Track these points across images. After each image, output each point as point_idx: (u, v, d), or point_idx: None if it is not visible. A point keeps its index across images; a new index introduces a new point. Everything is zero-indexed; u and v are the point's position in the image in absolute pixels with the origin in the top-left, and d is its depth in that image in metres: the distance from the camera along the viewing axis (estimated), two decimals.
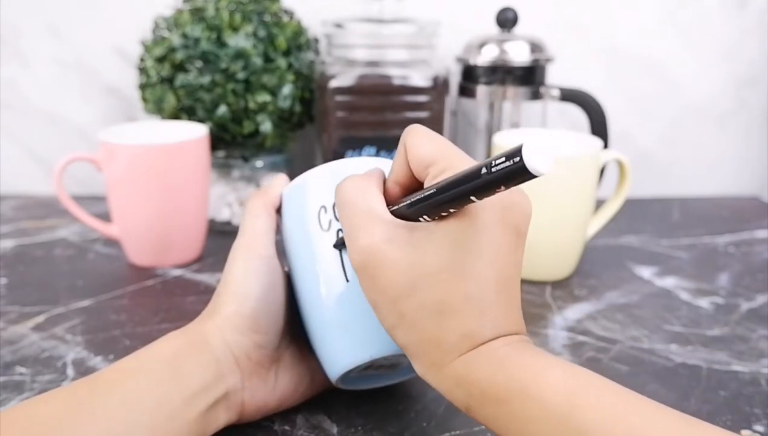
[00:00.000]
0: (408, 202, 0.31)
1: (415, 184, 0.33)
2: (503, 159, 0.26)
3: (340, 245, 0.37)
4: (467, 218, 0.30)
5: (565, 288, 0.59)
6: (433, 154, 0.32)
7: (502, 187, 0.27)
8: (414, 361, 0.32)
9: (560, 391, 0.28)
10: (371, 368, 0.39)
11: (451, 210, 0.30)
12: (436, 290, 0.30)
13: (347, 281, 0.37)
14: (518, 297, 0.32)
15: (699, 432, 0.26)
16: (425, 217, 0.31)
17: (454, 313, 0.30)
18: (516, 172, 0.25)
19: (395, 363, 0.40)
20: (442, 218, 0.30)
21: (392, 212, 0.32)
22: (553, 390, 0.28)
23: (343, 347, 0.37)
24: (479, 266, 0.30)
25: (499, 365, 0.29)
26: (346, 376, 0.39)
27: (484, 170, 0.27)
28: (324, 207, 0.38)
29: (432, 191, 0.30)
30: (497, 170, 0.26)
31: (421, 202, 0.30)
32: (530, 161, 0.25)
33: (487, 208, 0.30)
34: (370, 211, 0.32)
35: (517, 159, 0.25)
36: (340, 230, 0.37)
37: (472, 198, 0.28)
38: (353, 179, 0.34)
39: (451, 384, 0.31)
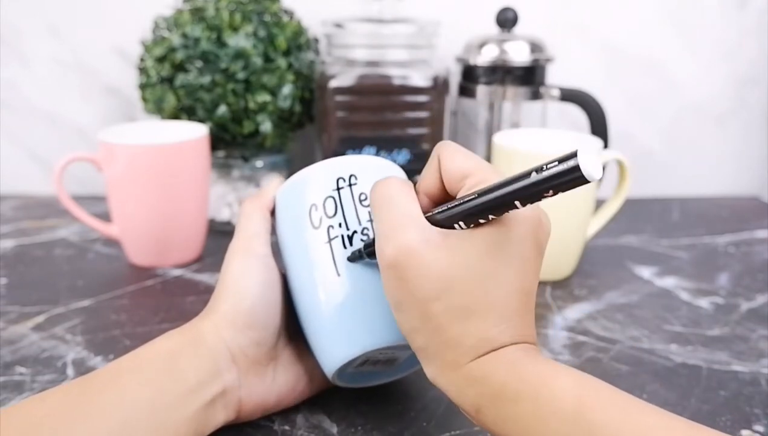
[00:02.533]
0: (445, 208, 0.32)
1: (444, 197, 0.34)
2: (556, 163, 0.26)
3: (361, 253, 0.37)
4: (503, 227, 0.31)
5: (565, 288, 0.59)
6: (469, 167, 0.32)
7: (551, 192, 0.27)
8: (428, 362, 0.32)
9: (570, 392, 0.28)
10: (368, 363, 0.39)
11: (491, 217, 0.30)
12: (465, 296, 0.30)
13: (338, 275, 0.37)
14: (533, 308, 0.33)
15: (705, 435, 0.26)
16: (461, 223, 0.31)
17: (478, 318, 0.31)
18: (569, 176, 0.26)
19: (392, 358, 0.40)
20: (477, 225, 0.31)
21: (426, 219, 0.33)
22: (564, 391, 0.28)
23: (338, 341, 0.38)
24: (508, 276, 0.31)
25: (512, 367, 0.30)
26: (343, 371, 0.39)
27: (534, 173, 0.27)
28: (315, 205, 0.39)
29: (473, 196, 0.30)
30: (549, 173, 0.27)
31: (460, 207, 0.31)
32: (585, 166, 0.25)
33: (520, 221, 0.31)
34: (410, 212, 0.32)
35: (572, 163, 0.26)
36: (331, 227, 0.38)
37: (517, 203, 0.29)
38: (394, 180, 0.34)
39: (463, 385, 0.31)
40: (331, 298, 0.37)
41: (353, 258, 0.37)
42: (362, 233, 0.38)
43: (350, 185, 0.39)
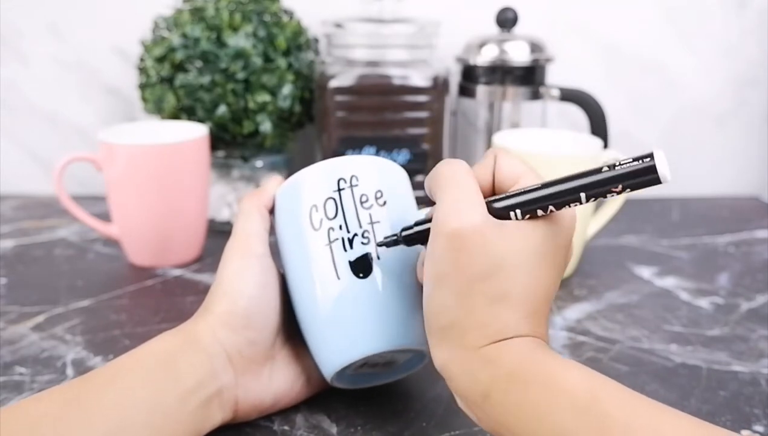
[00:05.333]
0: (504, 196, 0.33)
1: (491, 196, 0.34)
2: (630, 159, 0.28)
3: (397, 239, 0.37)
4: (554, 226, 0.32)
5: (565, 288, 0.59)
6: (525, 171, 0.34)
7: (620, 187, 0.29)
8: (445, 343, 0.32)
9: (583, 384, 0.29)
10: (366, 365, 0.39)
11: (551, 209, 0.31)
12: (508, 282, 0.31)
13: (338, 278, 0.37)
14: (547, 317, 0.34)
15: (714, 432, 0.27)
16: (518, 212, 0.32)
17: (511, 306, 0.31)
18: (644, 176, 0.28)
19: (390, 361, 0.40)
20: (532, 217, 0.32)
21: None
22: (577, 382, 0.29)
23: (336, 344, 0.37)
24: (547, 272, 0.32)
25: (528, 355, 0.31)
26: (342, 374, 0.39)
27: (605, 168, 0.29)
28: (315, 206, 0.38)
29: (537, 186, 0.32)
30: (624, 169, 0.29)
31: (523, 195, 0.32)
32: (661, 165, 0.28)
33: (567, 226, 0.33)
34: (477, 193, 0.33)
35: (648, 160, 0.28)
36: (331, 229, 0.38)
37: (582, 195, 0.30)
38: (462, 162, 0.34)
39: (477, 367, 0.31)
40: (331, 301, 0.37)
41: (387, 244, 0.37)
42: (363, 236, 0.38)
43: (351, 187, 0.39)
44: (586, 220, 0.60)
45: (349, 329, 0.37)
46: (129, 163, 0.59)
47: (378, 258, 0.38)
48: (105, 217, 0.64)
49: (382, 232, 0.38)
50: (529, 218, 0.32)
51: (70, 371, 0.45)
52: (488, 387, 0.31)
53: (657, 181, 0.28)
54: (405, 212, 0.39)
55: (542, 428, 0.29)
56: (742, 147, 0.86)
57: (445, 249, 0.32)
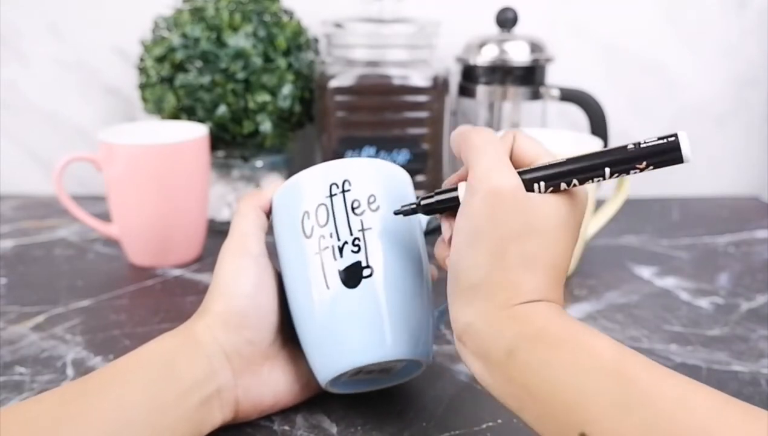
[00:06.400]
0: (528, 168, 0.34)
1: None
2: (656, 138, 0.30)
3: (416, 208, 0.37)
4: (575, 199, 0.34)
5: (564, 288, 0.58)
6: (543, 152, 0.35)
7: (644, 163, 0.31)
8: (471, 302, 0.33)
9: (610, 350, 0.29)
10: (362, 372, 0.39)
11: (575, 183, 0.33)
12: (539, 246, 0.32)
13: (327, 287, 0.37)
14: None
15: (744, 409, 0.27)
16: (542, 184, 0.33)
17: (542, 271, 0.32)
18: (668, 155, 0.30)
19: (386, 368, 0.40)
20: (555, 191, 0.33)
21: None
22: (604, 348, 0.29)
23: (327, 354, 0.37)
24: (569, 245, 0.34)
25: (557, 317, 0.32)
26: (336, 381, 0.38)
27: (630, 145, 0.31)
28: (307, 213, 0.38)
29: (562, 160, 0.33)
30: (648, 145, 0.30)
31: (548, 169, 0.33)
32: (684, 145, 0.29)
33: (583, 203, 0.34)
34: (509, 161, 0.34)
35: (672, 138, 0.30)
36: (322, 236, 0.37)
37: (607, 170, 0.32)
38: (494, 132, 0.35)
39: (505, 324, 0.32)
40: (321, 311, 0.37)
41: (404, 212, 0.37)
42: (353, 244, 0.37)
43: (344, 192, 0.38)
44: (586, 220, 0.60)
45: (339, 339, 0.37)
46: (129, 163, 0.59)
47: (368, 266, 0.37)
48: (105, 217, 0.64)
49: (373, 239, 0.37)
50: (552, 192, 0.33)
51: (70, 371, 0.45)
52: (514, 344, 0.31)
53: (680, 159, 0.29)
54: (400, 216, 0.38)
55: (565, 389, 0.29)
56: (742, 147, 0.86)
57: (483, 205, 0.32)
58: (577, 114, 0.77)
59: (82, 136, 0.83)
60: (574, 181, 0.33)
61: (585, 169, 0.32)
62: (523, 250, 0.32)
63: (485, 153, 0.33)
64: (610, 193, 0.63)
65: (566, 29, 0.81)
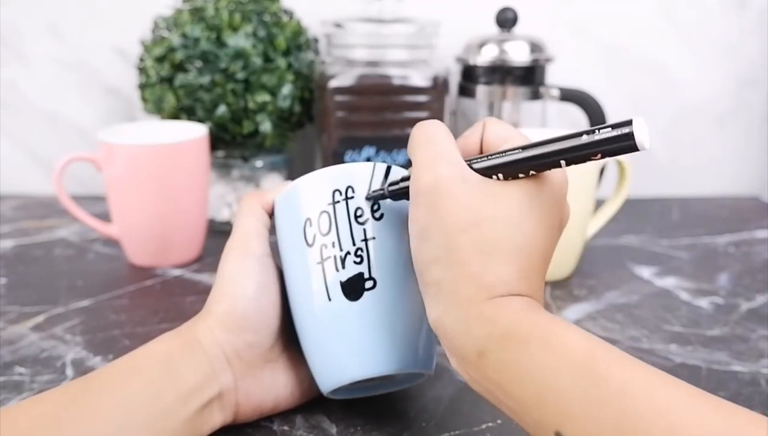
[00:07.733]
0: (485, 157, 0.32)
1: None
2: (609, 128, 0.28)
3: (384, 194, 0.36)
4: (539, 185, 0.32)
5: (564, 288, 0.59)
6: (512, 134, 0.34)
7: (599, 155, 0.29)
8: (439, 299, 0.32)
9: (581, 345, 0.28)
10: (362, 381, 0.38)
11: (531, 172, 0.31)
12: (495, 232, 0.31)
13: (329, 299, 0.36)
14: (545, 277, 0.34)
15: (711, 401, 0.26)
16: (500, 175, 0.32)
17: (503, 259, 0.31)
18: (621, 143, 0.28)
19: (388, 377, 0.39)
20: (515, 179, 0.32)
21: None
22: (575, 343, 0.29)
23: (328, 365, 0.37)
24: (535, 231, 0.32)
25: (526, 313, 0.30)
26: (337, 390, 0.38)
27: (585, 135, 0.29)
28: (309, 220, 0.37)
29: (517, 150, 0.31)
30: (602, 136, 0.28)
31: (503, 157, 0.32)
32: (639, 134, 0.27)
33: (555, 187, 0.33)
34: (451, 150, 0.33)
35: (626, 129, 0.27)
36: (324, 245, 0.37)
37: (562, 161, 0.30)
38: (439, 123, 0.35)
39: (473, 323, 0.31)
40: (321, 322, 0.37)
41: (374, 198, 0.36)
42: (355, 255, 0.36)
43: (347, 199, 0.37)
44: (586, 220, 0.60)
45: (340, 351, 0.36)
46: (129, 163, 0.59)
47: (371, 278, 0.36)
48: (105, 217, 0.64)
49: (376, 250, 0.37)
50: (512, 179, 0.32)
51: (69, 371, 0.45)
52: (484, 345, 0.30)
53: (634, 148, 0.27)
54: (405, 222, 0.37)
55: (537, 387, 0.28)
56: (742, 147, 0.86)
57: (421, 204, 0.32)
58: (577, 114, 0.77)
59: (82, 136, 0.83)
60: (531, 171, 0.31)
61: (539, 158, 0.31)
62: (477, 238, 0.31)
63: (422, 149, 0.33)
64: (610, 193, 0.63)
65: (566, 29, 0.81)
